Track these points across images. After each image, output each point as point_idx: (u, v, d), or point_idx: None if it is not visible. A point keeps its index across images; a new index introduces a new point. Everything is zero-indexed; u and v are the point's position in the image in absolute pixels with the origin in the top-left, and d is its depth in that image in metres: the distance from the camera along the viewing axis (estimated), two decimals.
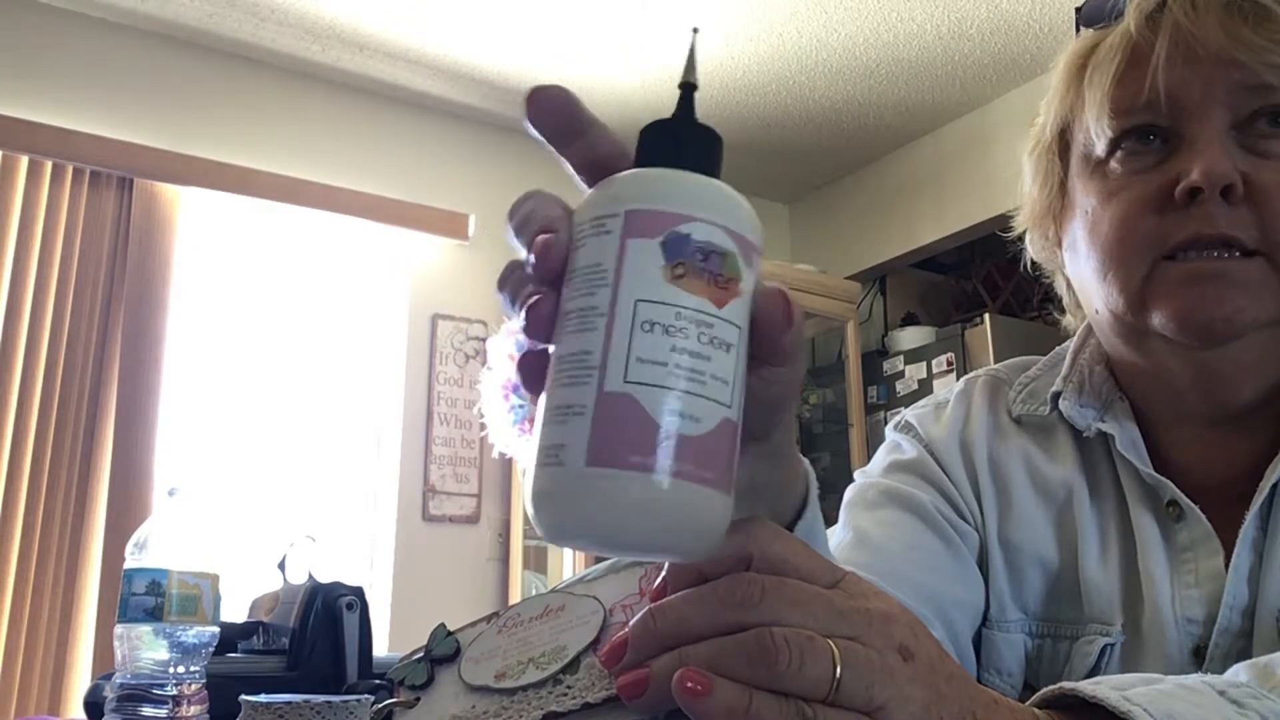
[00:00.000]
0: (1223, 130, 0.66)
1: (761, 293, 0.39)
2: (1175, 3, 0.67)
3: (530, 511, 0.37)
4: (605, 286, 0.36)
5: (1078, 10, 0.75)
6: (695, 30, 0.44)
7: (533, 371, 0.39)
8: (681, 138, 0.40)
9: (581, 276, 0.37)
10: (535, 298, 0.38)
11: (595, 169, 0.40)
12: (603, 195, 0.38)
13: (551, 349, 0.38)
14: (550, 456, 0.36)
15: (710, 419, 0.35)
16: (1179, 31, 0.66)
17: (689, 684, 0.35)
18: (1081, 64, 0.72)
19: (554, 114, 0.40)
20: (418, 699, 0.44)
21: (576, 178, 0.42)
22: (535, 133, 0.41)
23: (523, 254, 0.40)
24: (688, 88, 0.41)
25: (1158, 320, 0.67)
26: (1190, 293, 0.65)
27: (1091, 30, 0.73)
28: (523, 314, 0.39)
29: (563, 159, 0.41)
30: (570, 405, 0.35)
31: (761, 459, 0.42)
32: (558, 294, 0.38)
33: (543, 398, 0.38)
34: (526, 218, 0.39)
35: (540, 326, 0.38)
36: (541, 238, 0.38)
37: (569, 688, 0.41)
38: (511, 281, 0.40)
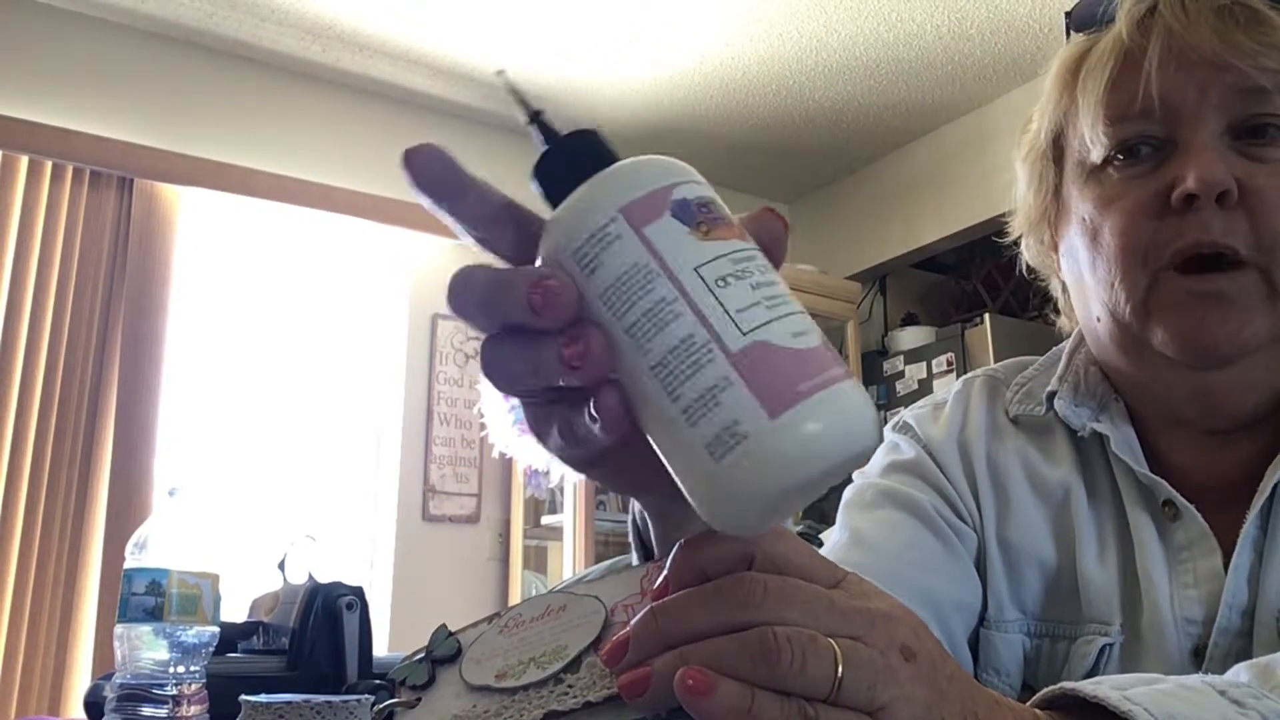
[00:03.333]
0: (1217, 135, 0.66)
1: (752, 217, 0.40)
2: (1166, 7, 0.67)
3: (728, 513, 0.35)
4: (658, 277, 0.36)
5: (1068, 15, 0.75)
6: (500, 72, 0.44)
7: (615, 409, 0.36)
8: (586, 145, 0.39)
9: (619, 287, 0.36)
10: (575, 342, 0.35)
11: (487, 223, 0.39)
12: (574, 219, 0.37)
13: (627, 376, 0.36)
14: (728, 441, 0.34)
15: (813, 329, 0.37)
16: (1171, 36, 0.66)
17: (691, 683, 0.35)
18: (1074, 69, 0.72)
19: (431, 173, 0.39)
20: (419, 699, 0.44)
21: (466, 238, 0.40)
22: (418, 197, 0.39)
23: (483, 334, 0.37)
24: (537, 115, 0.40)
25: (1159, 338, 0.67)
26: (1191, 313, 0.65)
27: (1082, 35, 0.73)
28: (572, 370, 0.35)
29: (451, 219, 0.39)
30: (710, 388, 0.34)
31: None
32: (591, 329, 0.36)
33: (657, 419, 0.36)
34: (492, 285, 0.37)
35: (598, 364, 0.36)
36: (544, 283, 0.36)
37: (570, 687, 0.41)
38: (506, 359, 0.37)
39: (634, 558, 0.51)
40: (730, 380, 0.34)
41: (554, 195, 0.39)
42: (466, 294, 0.37)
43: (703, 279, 0.35)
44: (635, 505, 0.49)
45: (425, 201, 0.39)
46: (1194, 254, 0.65)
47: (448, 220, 0.39)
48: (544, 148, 0.40)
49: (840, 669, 0.36)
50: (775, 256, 0.39)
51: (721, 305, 0.35)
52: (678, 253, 0.36)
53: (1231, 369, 0.67)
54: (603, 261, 0.36)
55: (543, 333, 0.36)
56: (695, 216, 0.37)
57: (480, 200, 0.39)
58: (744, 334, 0.35)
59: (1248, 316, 0.65)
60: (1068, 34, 0.75)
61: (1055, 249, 0.78)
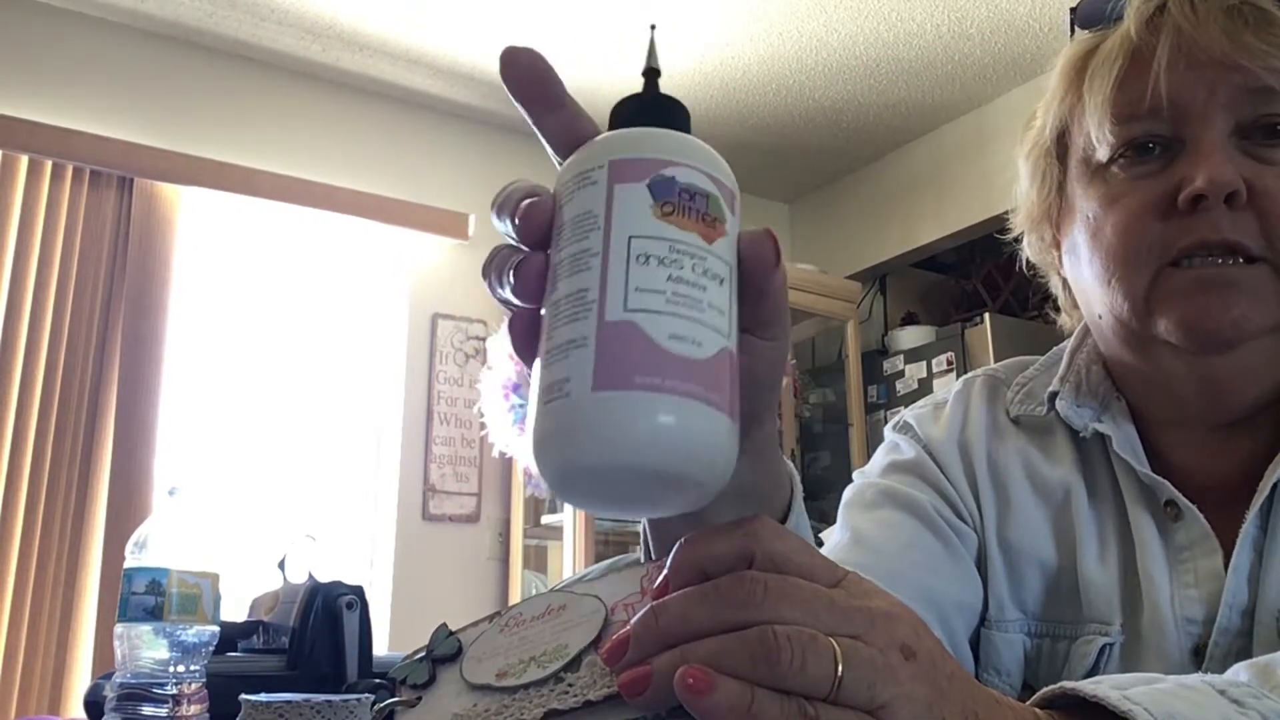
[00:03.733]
0: (1225, 135, 0.66)
1: (747, 234, 0.39)
2: (1176, 7, 0.66)
3: (536, 457, 0.36)
4: (597, 230, 0.37)
5: (1072, 10, 0.75)
6: (653, 27, 0.46)
7: (525, 332, 0.39)
8: (654, 103, 0.41)
9: (571, 227, 0.38)
10: (523, 257, 0.39)
11: (571, 143, 0.41)
12: (584, 153, 0.39)
13: (543, 309, 0.38)
14: (554, 392, 0.35)
15: (711, 344, 0.36)
16: (1181, 36, 0.66)
17: (691, 681, 0.35)
18: (1081, 67, 0.72)
19: (527, 77, 0.40)
20: (419, 698, 0.44)
21: (554, 157, 0.42)
22: (512, 98, 0.41)
23: (505, 229, 0.40)
24: (652, 73, 0.42)
25: (1163, 327, 0.67)
26: (1195, 300, 0.65)
27: (1088, 32, 0.73)
28: (511, 274, 0.39)
29: (541, 135, 0.42)
30: (571, 340, 0.36)
31: (748, 457, 0.41)
32: (544, 255, 0.39)
33: (540, 352, 0.38)
34: (508, 195, 0.40)
35: (529, 285, 0.39)
36: (525, 201, 0.39)
37: (570, 685, 0.41)
38: (496, 260, 0.41)
39: (640, 555, 0.51)
40: (587, 341, 0.35)
41: (613, 127, 0.41)
42: (494, 199, 0.41)
43: (629, 248, 0.36)
44: None
45: (516, 100, 0.41)
46: (1199, 248, 0.65)
47: (531, 124, 0.42)
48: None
49: (840, 668, 0.36)
50: (756, 282, 0.39)
51: (625, 276, 0.36)
52: (626, 217, 0.37)
53: (1234, 355, 0.67)
54: (574, 198, 0.38)
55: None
56: (668, 196, 0.37)
57: (568, 121, 0.41)
58: (625, 310, 0.35)
59: (1252, 303, 0.65)
60: (1072, 30, 0.75)
61: (1057, 246, 0.78)
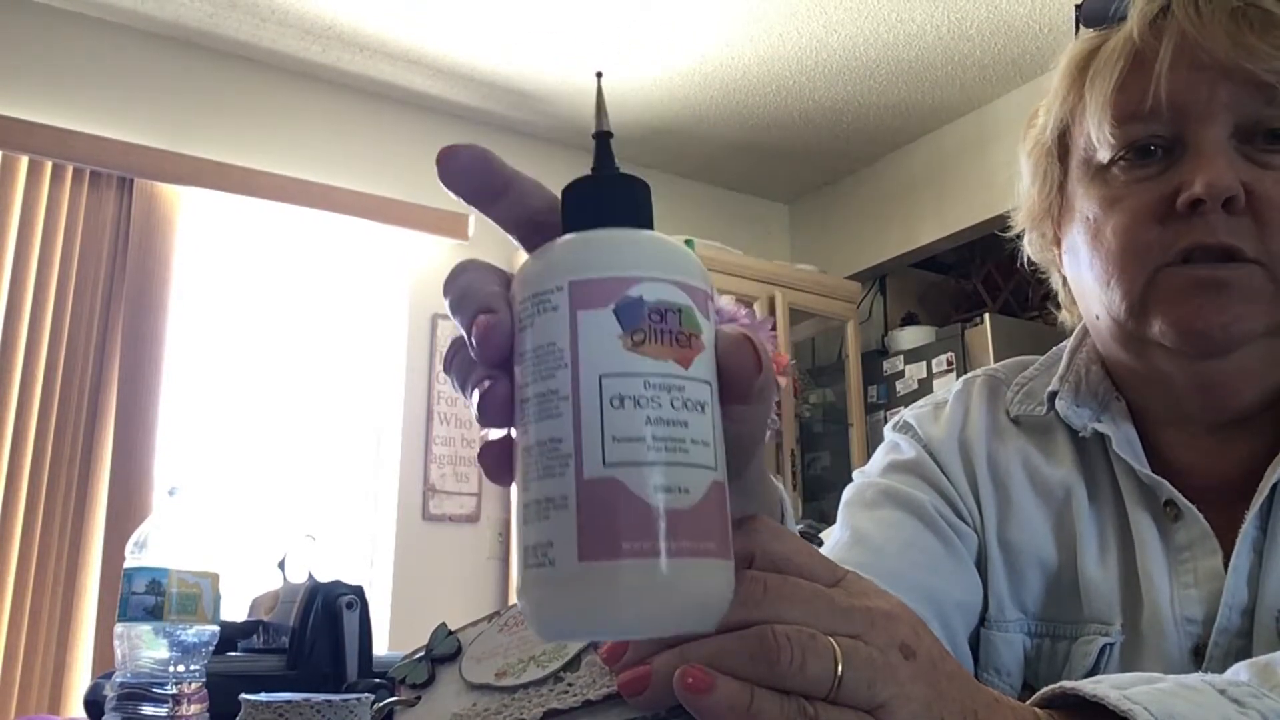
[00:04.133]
0: (1225, 139, 0.65)
1: (725, 341, 0.37)
2: (1180, 8, 0.66)
3: (525, 613, 0.35)
4: (563, 368, 0.34)
5: (1078, 8, 0.75)
6: (599, 75, 0.42)
7: (497, 461, 0.37)
8: (609, 193, 0.37)
9: (534, 358, 0.35)
10: (486, 383, 0.36)
11: (526, 226, 0.39)
12: (539, 268, 0.36)
13: (514, 435, 0.36)
14: (538, 557, 0.34)
15: (699, 486, 0.34)
16: (1184, 38, 0.65)
17: (691, 680, 0.35)
18: (1083, 67, 0.72)
19: (466, 175, 0.38)
20: (419, 697, 0.44)
21: (510, 238, 0.40)
22: (453, 195, 0.38)
23: (462, 333, 0.38)
24: (603, 137, 0.39)
25: (1158, 328, 0.67)
26: (1190, 301, 0.65)
27: (1093, 31, 0.73)
28: (474, 402, 0.37)
29: (495, 224, 0.40)
30: (550, 499, 0.34)
31: (737, 496, 0.40)
32: (509, 376, 0.36)
33: (515, 491, 0.36)
34: (462, 294, 0.37)
35: (496, 413, 0.36)
36: (482, 319, 0.36)
37: (570, 685, 0.41)
38: (458, 364, 0.38)
39: None
40: (567, 502, 0.33)
41: (565, 221, 0.38)
42: (448, 285, 0.38)
43: (601, 390, 0.34)
44: None
45: (460, 198, 0.39)
46: (1195, 251, 0.65)
47: (483, 215, 0.39)
48: (592, 171, 0.38)
49: (840, 667, 0.36)
50: (737, 388, 0.36)
51: (601, 425, 0.33)
52: (594, 352, 0.34)
53: (1230, 358, 0.67)
54: (534, 325, 0.35)
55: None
56: (637, 321, 0.34)
57: (523, 197, 0.39)
58: (604, 464, 0.33)
59: (1246, 306, 0.65)
60: (1077, 28, 0.75)
61: (1058, 244, 0.78)
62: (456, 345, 0.39)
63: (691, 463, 0.34)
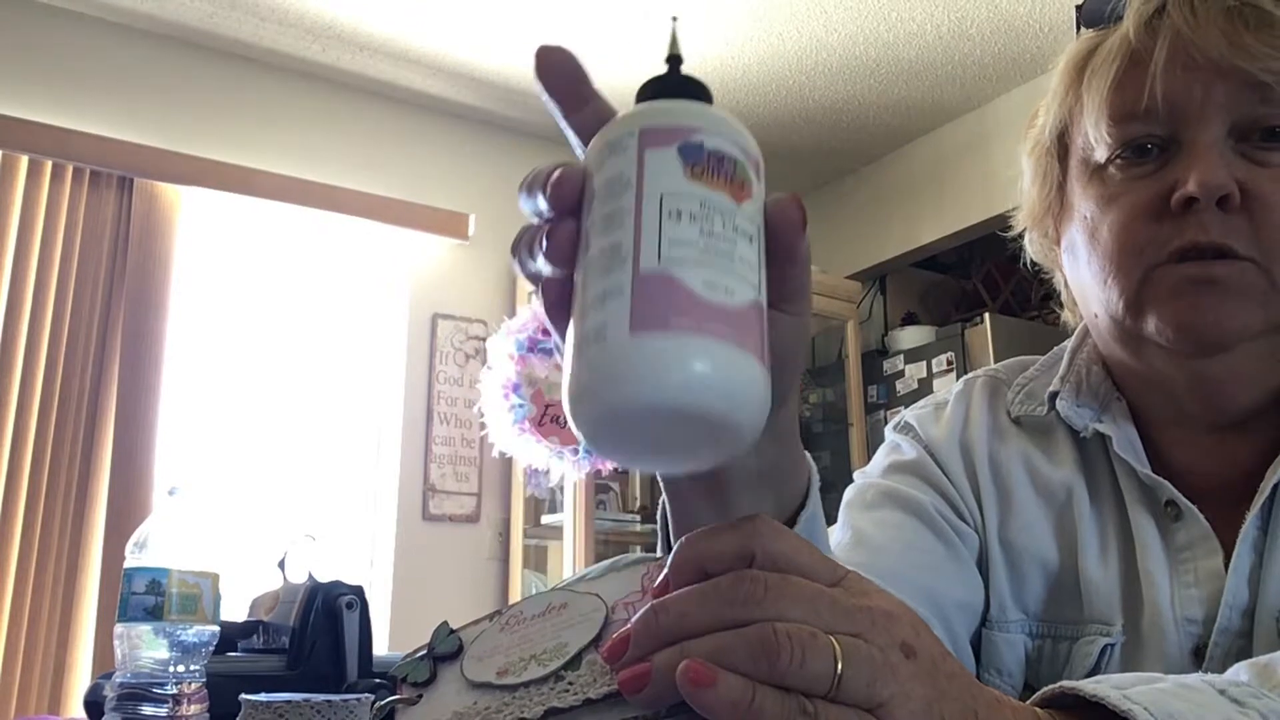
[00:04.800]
0: (1221, 137, 0.66)
1: (774, 200, 0.40)
2: (1175, 9, 0.66)
3: (571, 408, 0.36)
4: (629, 190, 0.37)
5: (1078, 9, 0.75)
6: (675, 19, 0.46)
7: (555, 299, 0.39)
8: (680, 80, 0.42)
9: (603, 191, 0.38)
10: (555, 224, 0.39)
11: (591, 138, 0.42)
12: (614, 125, 0.40)
13: (576, 273, 0.39)
14: (591, 340, 0.36)
15: (743, 294, 0.36)
16: (1179, 38, 0.66)
17: (693, 675, 0.35)
18: (1080, 67, 0.72)
19: (563, 75, 0.42)
20: (420, 696, 0.44)
21: (579, 149, 0.42)
22: (544, 94, 0.42)
23: (535, 218, 0.40)
24: (675, 59, 0.43)
25: (1152, 326, 0.67)
26: (1183, 299, 0.65)
27: (1092, 32, 0.73)
28: (543, 239, 0.39)
29: (567, 128, 0.42)
30: (607, 291, 0.36)
31: (770, 436, 0.41)
32: (577, 220, 0.39)
33: (573, 310, 0.38)
34: (536, 173, 0.40)
35: (562, 250, 0.39)
36: (556, 172, 0.39)
37: (570, 684, 0.41)
38: (527, 236, 0.41)
39: (640, 554, 0.51)
40: (624, 290, 0.35)
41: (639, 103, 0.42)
42: (523, 181, 0.41)
43: (661, 204, 0.37)
44: (663, 500, 0.50)
45: (547, 102, 0.42)
46: (1189, 249, 0.65)
47: (561, 119, 0.42)
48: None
49: (840, 666, 0.36)
50: (784, 244, 0.40)
51: (660, 230, 0.36)
52: (658, 177, 0.37)
53: (1226, 357, 0.67)
54: (605, 164, 0.39)
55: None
56: (698, 160, 0.38)
57: (602, 110, 0.42)
58: (660, 260, 0.36)
59: (1241, 305, 0.65)
60: (1078, 28, 0.75)
61: (1058, 243, 0.78)
62: (525, 228, 0.41)
63: (737, 273, 0.37)
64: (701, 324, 0.35)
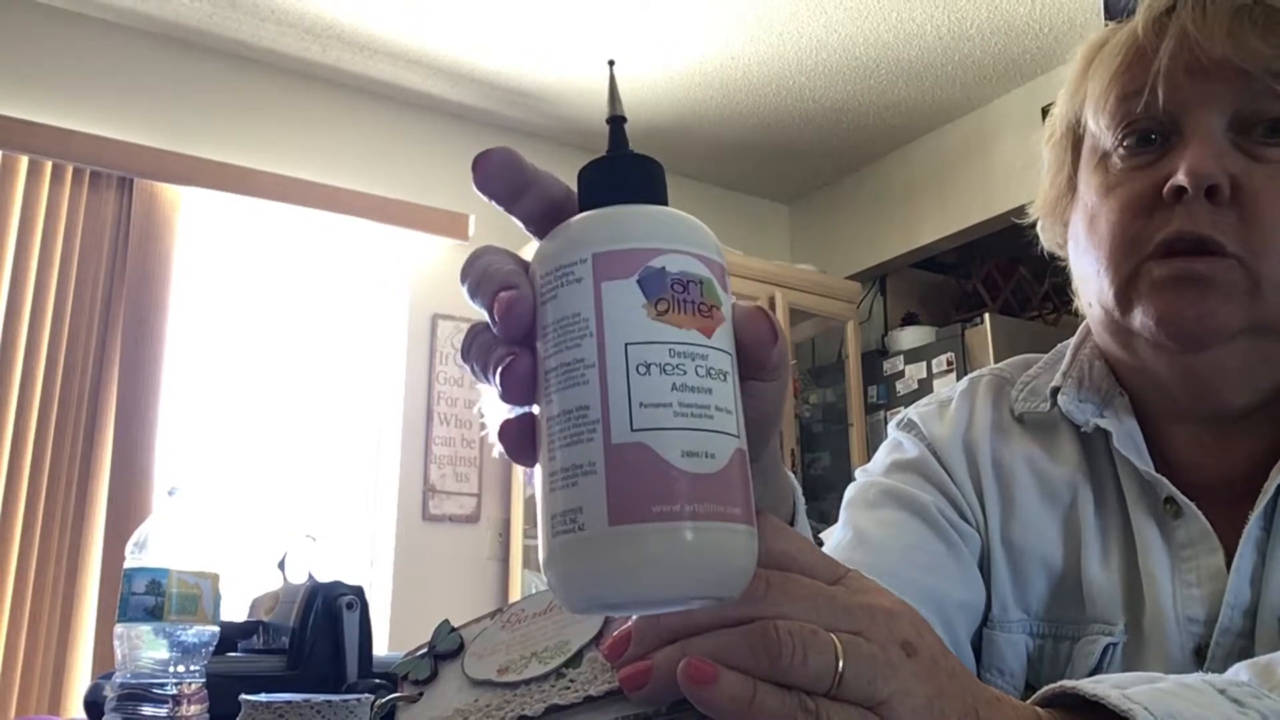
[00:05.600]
0: (1220, 130, 0.66)
1: (741, 315, 0.38)
2: (1185, 8, 0.67)
3: (553, 587, 0.35)
4: (589, 336, 0.35)
5: (1105, 1, 0.76)
6: (611, 63, 0.43)
7: (519, 438, 0.37)
8: (625, 171, 0.38)
9: (558, 330, 0.35)
10: (509, 358, 0.36)
11: (545, 219, 0.40)
12: (561, 243, 0.37)
13: (537, 411, 0.36)
14: (567, 523, 0.34)
15: (724, 452, 0.34)
16: (1185, 35, 0.66)
17: (694, 672, 0.35)
18: (1091, 58, 0.73)
19: (497, 178, 0.39)
20: (421, 693, 0.44)
21: (526, 230, 0.41)
22: (484, 197, 0.39)
23: (483, 315, 0.38)
24: (616, 121, 0.40)
25: (1139, 321, 0.68)
26: (1166, 295, 0.66)
27: (1112, 23, 0.73)
28: (497, 378, 0.37)
29: (513, 217, 0.40)
30: (578, 465, 0.34)
31: (754, 481, 0.41)
32: (531, 351, 0.37)
33: (539, 466, 0.36)
34: (481, 275, 0.38)
35: (519, 389, 0.36)
36: (504, 294, 0.37)
37: (571, 681, 0.41)
38: (477, 347, 0.38)
39: None
40: (596, 469, 0.33)
41: (582, 202, 0.39)
42: (465, 270, 0.39)
43: (627, 358, 0.34)
44: None
45: (491, 199, 0.40)
46: (1175, 241, 0.65)
47: (506, 212, 0.40)
48: (607, 153, 0.39)
49: (841, 663, 0.36)
50: (755, 359, 0.37)
51: (628, 392, 0.34)
52: (619, 321, 0.35)
53: (1212, 353, 0.67)
54: (557, 297, 0.36)
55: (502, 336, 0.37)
56: (661, 292, 0.35)
57: (544, 190, 0.40)
58: (632, 430, 0.33)
59: (1222, 302, 0.65)
60: (1106, 20, 0.76)
61: (1068, 233, 0.78)
62: (475, 330, 0.39)
63: (716, 429, 0.34)
64: (685, 506, 0.33)
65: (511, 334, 0.37)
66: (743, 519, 0.34)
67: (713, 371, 0.35)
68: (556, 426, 0.35)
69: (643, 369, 0.34)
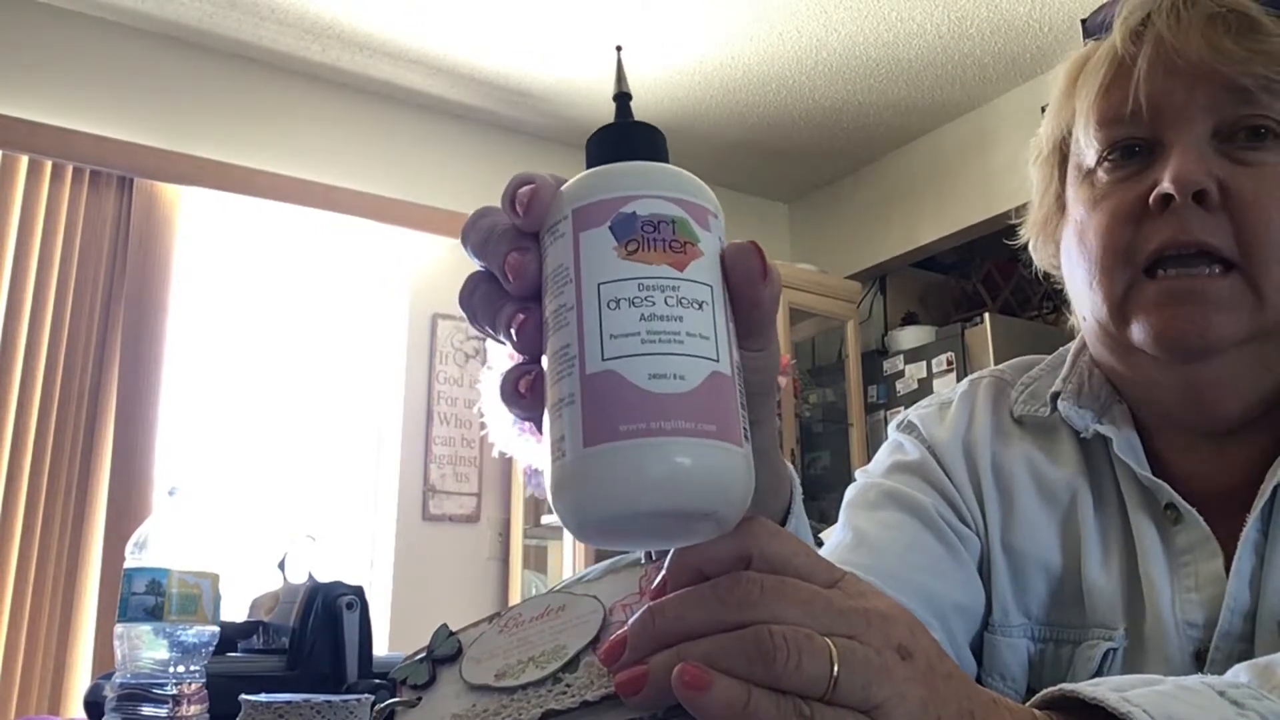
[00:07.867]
0: (1203, 138, 0.66)
1: (732, 250, 0.39)
2: (1159, 16, 0.68)
3: (553, 508, 0.37)
4: (569, 283, 0.37)
5: (1083, 22, 0.77)
6: (619, 48, 0.46)
7: (529, 394, 0.39)
8: (618, 135, 0.41)
9: (550, 282, 0.38)
10: (520, 315, 0.39)
11: None
12: (554, 205, 0.40)
13: (544, 364, 0.39)
14: (555, 452, 0.36)
15: (696, 374, 0.36)
16: (1161, 44, 0.67)
17: (688, 678, 0.35)
18: (1074, 75, 0.74)
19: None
20: (419, 698, 0.44)
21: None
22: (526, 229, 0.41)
23: (487, 269, 0.40)
24: (622, 98, 0.43)
25: (1137, 336, 0.68)
26: (1165, 311, 0.66)
27: (1091, 41, 0.74)
28: (512, 333, 0.39)
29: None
30: (562, 399, 0.36)
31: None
32: (539, 308, 0.39)
33: (546, 408, 0.38)
34: (488, 234, 0.40)
35: (531, 341, 0.39)
36: (513, 256, 0.39)
37: (568, 686, 0.41)
38: (479, 297, 0.41)
39: (640, 556, 0.51)
40: (574, 399, 0.36)
41: (587, 166, 0.41)
42: (468, 232, 0.41)
43: (599, 296, 0.37)
44: None
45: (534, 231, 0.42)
46: (1170, 252, 0.65)
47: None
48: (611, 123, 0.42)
49: (836, 668, 0.36)
50: (744, 293, 0.39)
51: (600, 326, 0.36)
52: (592, 265, 0.37)
53: (1210, 364, 0.67)
54: (549, 252, 0.39)
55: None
56: (631, 233, 0.37)
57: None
58: (602, 360, 0.36)
59: (1223, 314, 0.65)
60: (1085, 39, 0.76)
61: (1059, 251, 0.78)
62: (475, 280, 0.41)
63: (686, 353, 0.36)
64: (652, 424, 0.34)
65: (522, 292, 0.39)
66: (719, 435, 0.35)
67: (685, 300, 0.37)
68: (550, 367, 0.38)
69: (613, 304, 0.36)
